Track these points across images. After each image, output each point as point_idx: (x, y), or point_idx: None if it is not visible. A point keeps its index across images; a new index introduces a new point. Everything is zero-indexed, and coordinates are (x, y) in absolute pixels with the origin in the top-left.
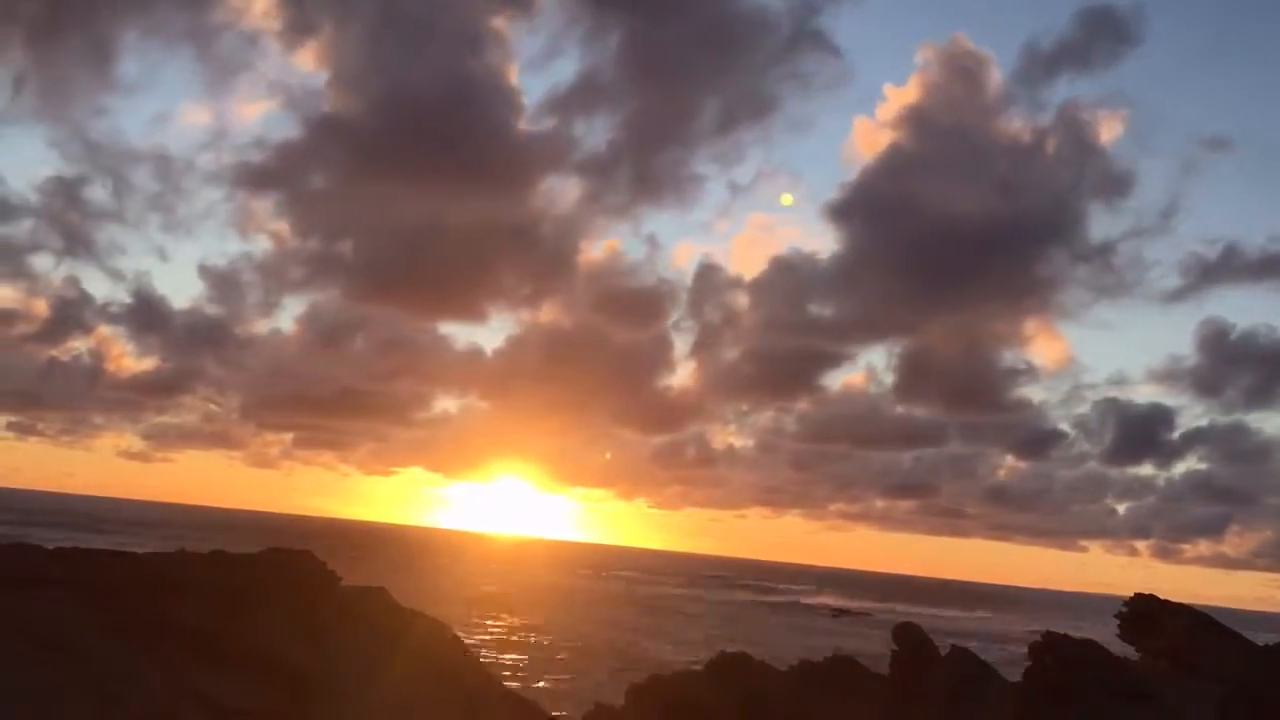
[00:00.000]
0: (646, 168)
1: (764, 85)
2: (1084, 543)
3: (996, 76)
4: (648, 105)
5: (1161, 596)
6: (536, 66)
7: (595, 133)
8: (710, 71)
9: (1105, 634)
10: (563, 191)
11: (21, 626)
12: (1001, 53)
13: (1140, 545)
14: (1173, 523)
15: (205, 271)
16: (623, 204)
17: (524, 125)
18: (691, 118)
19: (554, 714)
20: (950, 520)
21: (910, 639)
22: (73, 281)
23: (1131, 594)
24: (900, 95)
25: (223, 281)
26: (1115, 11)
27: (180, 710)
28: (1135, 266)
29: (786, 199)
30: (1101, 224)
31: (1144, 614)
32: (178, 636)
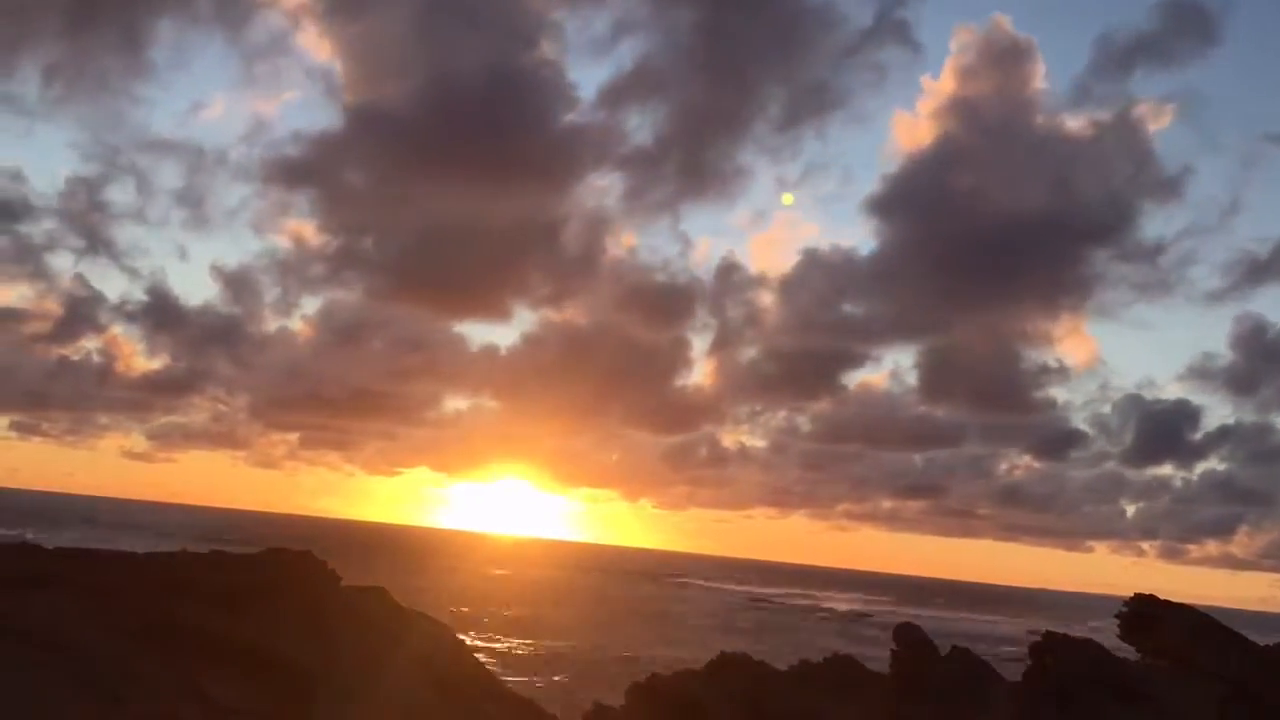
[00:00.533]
0: (686, 165)
1: (830, 79)
2: (1095, 544)
3: (1038, 63)
4: (697, 100)
5: (1163, 597)
6: (589, 56)
7: (637, 127)
8: (772, 64)
9: (1107, 634)
10: (593, 188)
11: (21, 626)
12: (1075, 44)
13: (1151, 545)
14: (1185, 524)
15: (219, 269)
16: (656, 202)
17: (569, 118)
18: (749, 112)
19: (554, 714)
20: (959, 521)
21: (910, 639)
22: (84, 280)
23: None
24: (937, 86)
25: (236, 280)
26: (1196, 6)
27: (180, 710)
28: (1184, 265)
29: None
30: (1153, 222)
31: (1144, 614)
32: (178, 636)
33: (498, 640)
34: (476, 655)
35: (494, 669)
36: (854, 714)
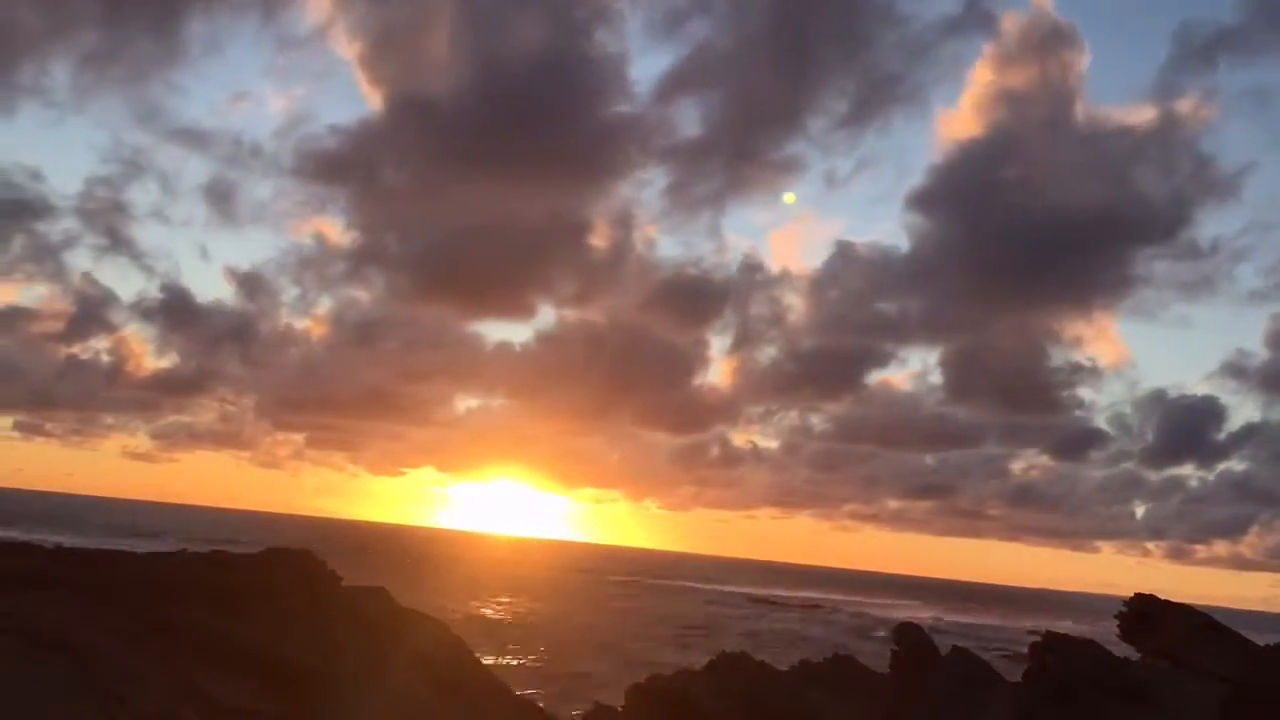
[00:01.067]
0: (729, 160)
1: (902, 71)
2: (1106, 544)
3: (1082, 49)
4: (748, 93)
5: (1164, 597)
6: (647, 43)
7: (682, 121)
8: (839, 56)
9: (1109, 634)
10: (627, 183)
11: (21, 626)
12: (1126, 33)
13: (1161, 545)
14: (1197, 524)
15: (232, 266)
16: (689, 199)
17: (615, 109)
18: (804, 106)
19: (553, 714)
20: (972, 522)
21: (911, 639)
22: (92, 278)
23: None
24: (976, 76)
25: (249, 278)
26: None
27: (180, 710)
28: (1232, 264)
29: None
30: (1200, 220)
31: (1144, 614)
32: (178, 636)
33: (497, 640)
34: (476, 655)
35: (494, 669)
36: (853, 714)
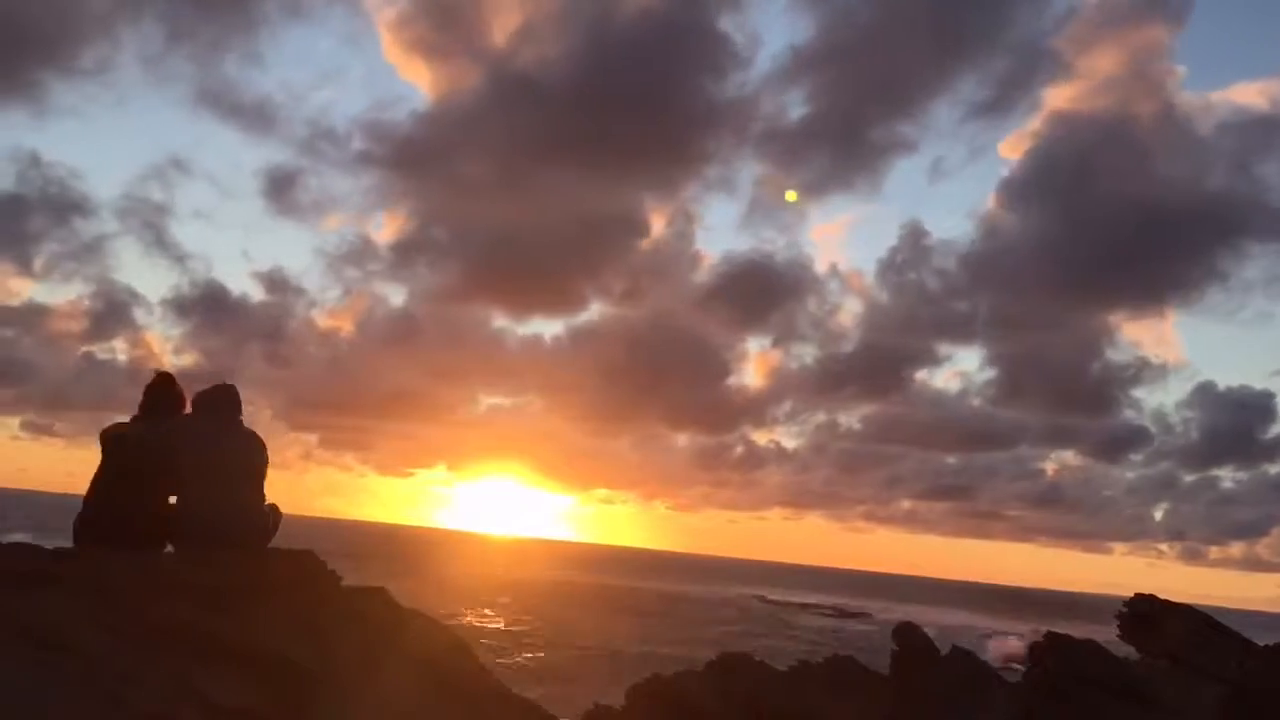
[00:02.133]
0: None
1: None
2: (1117, 546)
3: (1163, 36)
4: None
5: (1171, 598)
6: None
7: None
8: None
9: (1112, 635)
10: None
11: (21, 626)
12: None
13: (1175, 547)
14: (1218, 525)
15: (256, 262)
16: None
17: (695, 95)
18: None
19: (554, 715)
20: (993, 524)
21: (910, 639)
22: (112, 275)
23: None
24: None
25: (274, 276)
26: None
27: (180, 710)
28: None
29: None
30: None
31: (1144, 614)
32: (178, 636)
33: (497, 641)
34: (477, 655)
35: (494, 670)
36: (854, 714)
